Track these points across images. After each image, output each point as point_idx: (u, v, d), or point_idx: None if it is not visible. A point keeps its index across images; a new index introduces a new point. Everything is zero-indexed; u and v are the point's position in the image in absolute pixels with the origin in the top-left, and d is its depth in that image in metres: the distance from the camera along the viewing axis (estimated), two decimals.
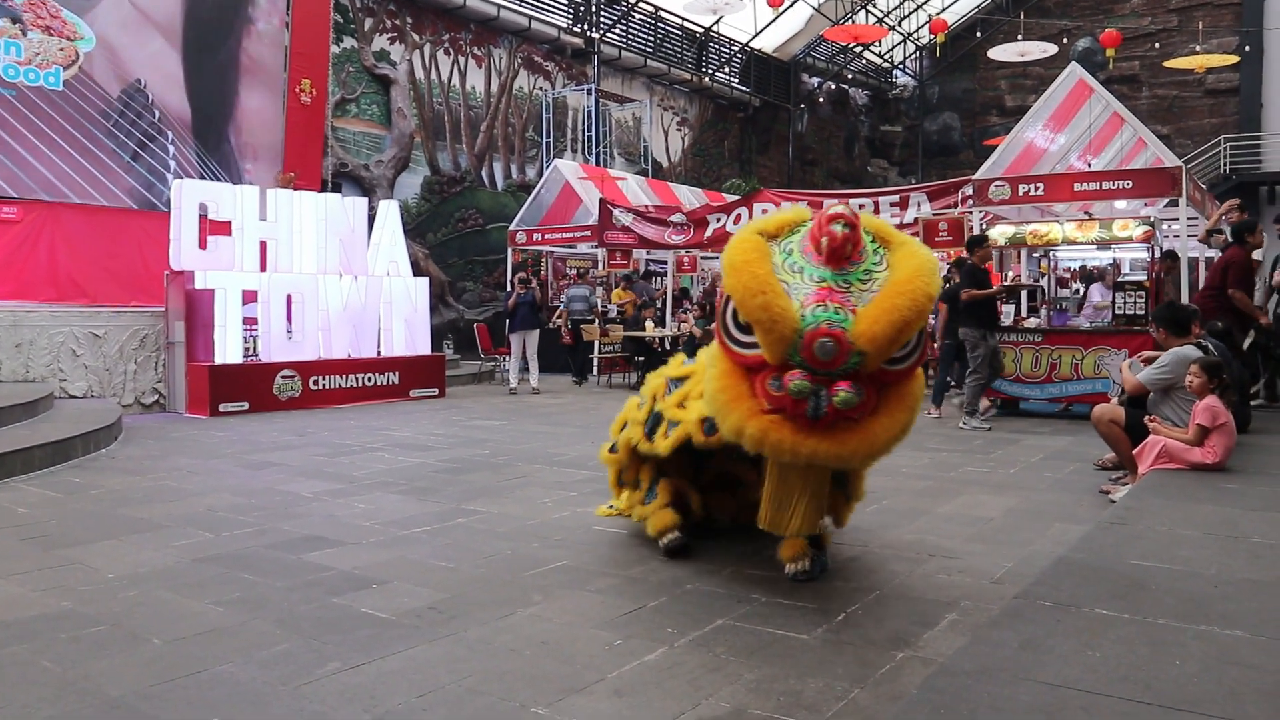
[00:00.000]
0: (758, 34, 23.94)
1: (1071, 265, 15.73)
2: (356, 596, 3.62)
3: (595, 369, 14.14)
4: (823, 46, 26.68)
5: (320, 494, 5.60)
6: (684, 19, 22.45)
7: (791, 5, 22.46)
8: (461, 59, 18.14)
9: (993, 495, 5.53)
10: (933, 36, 23.29)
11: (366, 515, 5.03)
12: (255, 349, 10.27)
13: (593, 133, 20.15)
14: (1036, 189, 9.66)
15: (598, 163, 19.44)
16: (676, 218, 14.06)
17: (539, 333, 12.40)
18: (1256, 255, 8.48)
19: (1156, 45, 25.00)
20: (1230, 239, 8.33)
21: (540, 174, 18.04)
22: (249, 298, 10.09)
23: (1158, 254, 10.20)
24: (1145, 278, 9.90)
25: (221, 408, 9.55)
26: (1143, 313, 8.85)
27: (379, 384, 11.06)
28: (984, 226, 10.07)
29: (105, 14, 12.39)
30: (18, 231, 11.02)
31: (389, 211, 11.94)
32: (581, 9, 20.19)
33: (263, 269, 10.37)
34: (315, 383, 10.41)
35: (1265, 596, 2.96)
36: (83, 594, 3.67)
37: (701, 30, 23.35)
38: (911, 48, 29.39)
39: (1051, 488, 5.78)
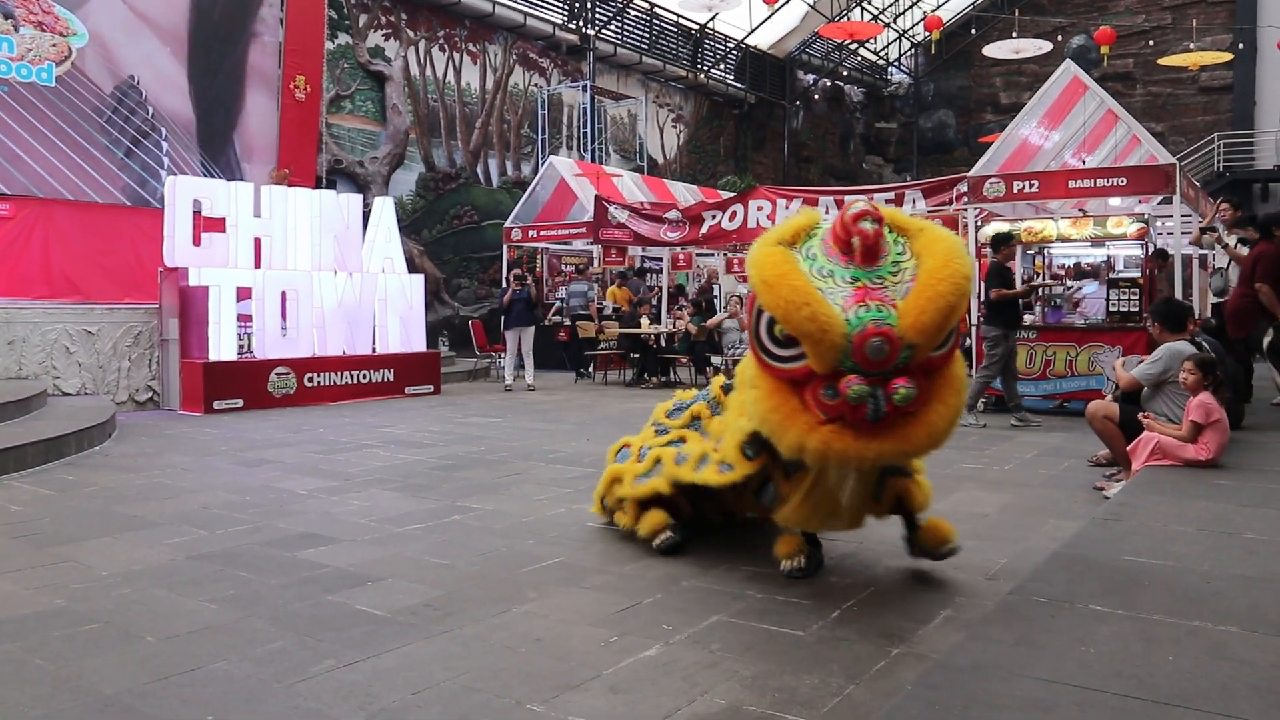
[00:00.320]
0: (753, 31, 23.92)
1: (1066, 262, 15.74)
2: (351, 594, 3.61)
3: (591, 366, 14.15)
4: (818, 43, 26.69)
5: (315, 491, 5.59)
6: (679, 15, 22.43)
7: (787, 2, 22.43)
8: (456, 55, 18.10)
9: (987, 491, 5.53)
10: (928, 33, 23.30)
11: (361, 512, 5.03)
12: (250, 346, 10.26)
13: (588, 129, 20.14)
14: (1031, 186, 9.65)
15: (593, 159, 19.42)
16: (672, 214, 14.02)
17: (534, 329, 12.41)
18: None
19: (1150, 43, 25.06)
20: (1259, 233, 7.91)
21: (535, 170, 18.01)
22: (243, 294, 10.07)
23: (1151, 250, 10.23)
24: (1139, 275, 9.93)
25: (216, 405, 9.53)
26: (1136, 309, 8.88)
27: (374, 381, 11.04)
28: (979, 224, 10.08)
29: (98, 10, 12.35)
30: (10, 228, 10.99)
31: (384, 208, 11.93)
32: (577, 5, 20.16)
33: (257, 266, 10.34)
34: (310, 380, 10.38)
35: (1258, 592, 2.98)
36: (76, 592, 3.66)
37: (697, 27, 23.33)
38: (906, 45, 29.43)
39: (1046, 484, 5.79)
